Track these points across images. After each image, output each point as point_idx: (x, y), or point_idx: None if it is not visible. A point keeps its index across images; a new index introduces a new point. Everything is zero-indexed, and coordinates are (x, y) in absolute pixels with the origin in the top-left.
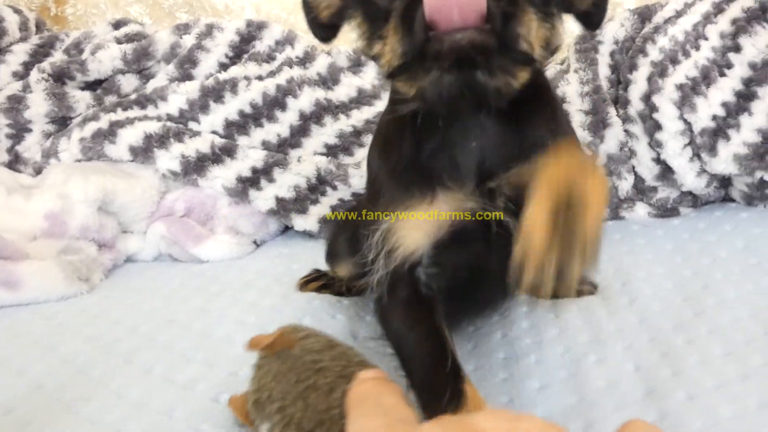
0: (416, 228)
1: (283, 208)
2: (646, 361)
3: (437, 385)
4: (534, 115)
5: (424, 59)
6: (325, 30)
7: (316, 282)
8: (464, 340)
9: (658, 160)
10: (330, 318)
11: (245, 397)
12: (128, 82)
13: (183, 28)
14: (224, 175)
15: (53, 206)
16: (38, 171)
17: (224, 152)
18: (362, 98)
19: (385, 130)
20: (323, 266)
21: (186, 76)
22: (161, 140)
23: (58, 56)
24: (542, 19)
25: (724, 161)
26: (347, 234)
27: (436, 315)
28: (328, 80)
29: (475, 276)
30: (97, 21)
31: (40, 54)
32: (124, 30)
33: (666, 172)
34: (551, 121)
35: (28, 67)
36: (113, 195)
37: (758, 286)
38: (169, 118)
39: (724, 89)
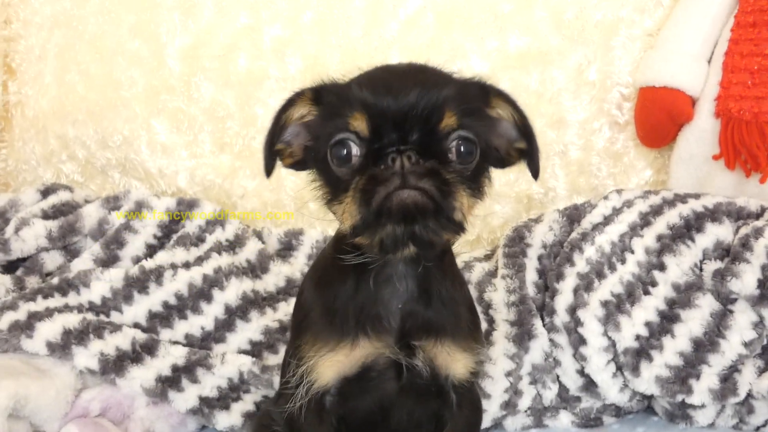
0: (333, 367)
1: (207, 405)
2: None
3: None
4: (441, 287)
5: (380, 218)
6: (273, 166)
7: None
8: None
9: (582, 372)
10: None
11: None
12: (52, 260)
13: (112, 201)
14: (143, 375)
15: None
16: None
17: (145, 350)
18: (290, 288)
19: (326, 268)
20: None
21: (112, 258)
22: (80, 336)
23: None
24: (471, 195)
25: (646, 382)
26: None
27: None
28: (257, 268)
29: (380, 414)
30: (28, 177)
31: None
32: (51, 200)
33: (590, 384)
34: (456, 291)
35: None
36: (25, 400)
37: None
38: (91, 306)
39: (648, 308)
